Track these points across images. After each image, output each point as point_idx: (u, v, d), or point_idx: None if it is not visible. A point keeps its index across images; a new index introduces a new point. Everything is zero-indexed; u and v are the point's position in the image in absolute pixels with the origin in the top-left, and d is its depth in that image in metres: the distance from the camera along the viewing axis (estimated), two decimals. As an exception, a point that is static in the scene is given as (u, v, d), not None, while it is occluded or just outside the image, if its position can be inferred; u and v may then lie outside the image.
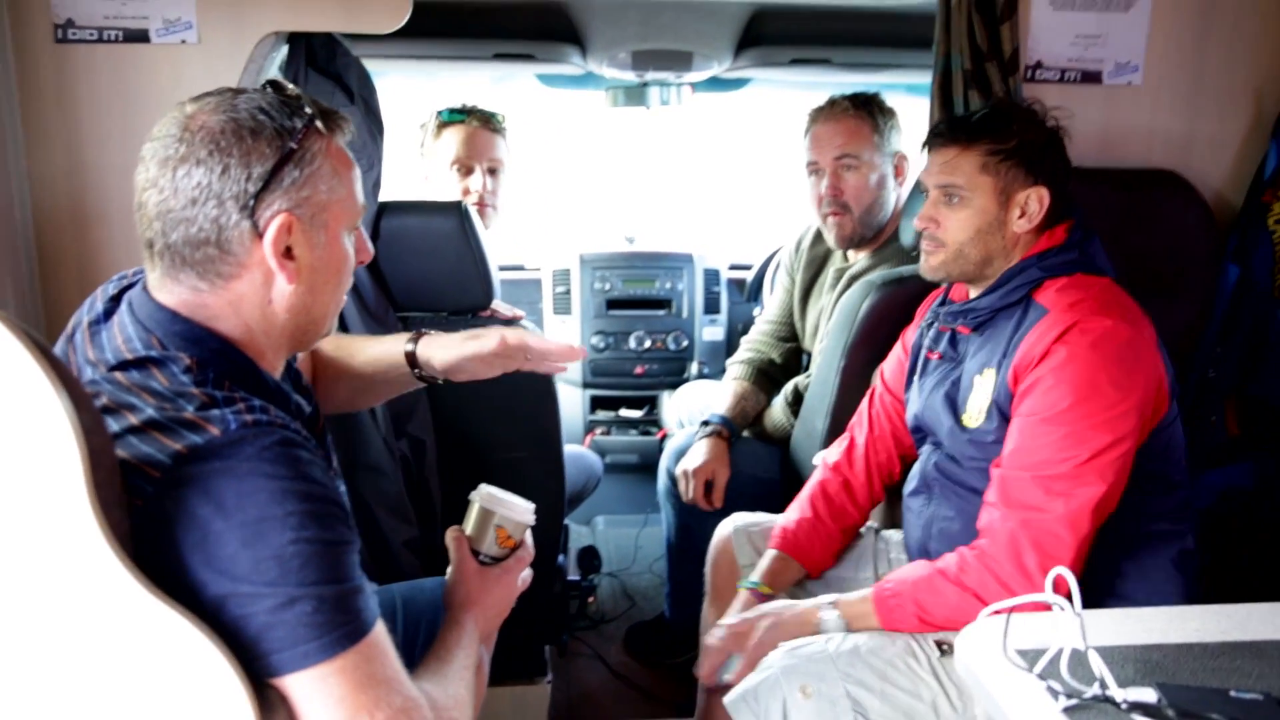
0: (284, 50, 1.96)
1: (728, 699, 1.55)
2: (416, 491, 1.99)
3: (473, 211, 2.06)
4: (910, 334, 1.85)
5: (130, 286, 1.13)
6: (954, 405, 1.62)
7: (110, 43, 1.86)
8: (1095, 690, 1.03)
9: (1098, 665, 1.04)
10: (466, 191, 2.46)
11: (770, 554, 1.82)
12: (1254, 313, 2.07)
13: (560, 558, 2.31)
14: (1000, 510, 1.48)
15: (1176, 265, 2.15)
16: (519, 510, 1.36)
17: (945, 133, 1.62)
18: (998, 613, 1.15)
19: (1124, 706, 1.01)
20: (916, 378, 1.76)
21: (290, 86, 1.09)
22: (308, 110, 1.07)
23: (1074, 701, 1.02)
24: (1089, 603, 1.15)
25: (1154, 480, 1.55)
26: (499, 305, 2.16)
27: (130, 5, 1.84)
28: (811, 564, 1.82)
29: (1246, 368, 2.07)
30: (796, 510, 1.87)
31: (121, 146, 1.88)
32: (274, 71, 1.96)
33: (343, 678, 0.93)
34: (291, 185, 1.04)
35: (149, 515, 0.91)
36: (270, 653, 0.91)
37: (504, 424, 2.08)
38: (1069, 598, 1.12)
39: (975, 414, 1.58)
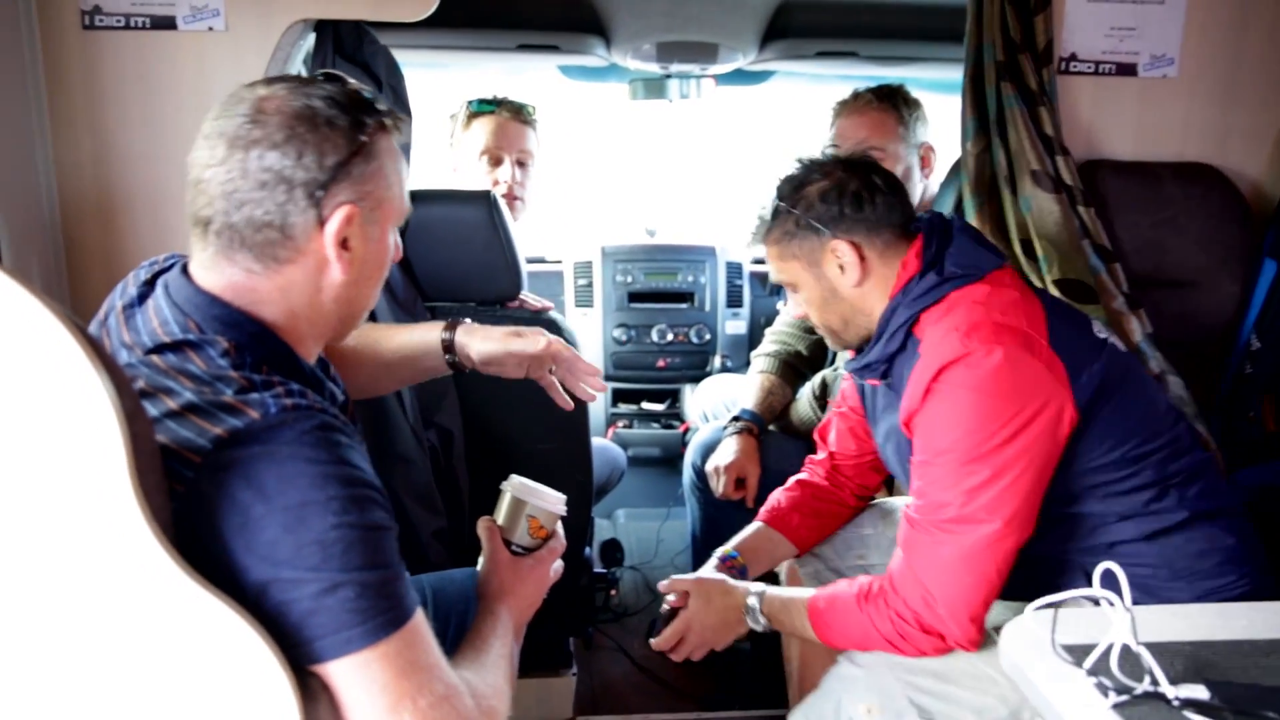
0: (311, 38, 1.95)
1: None
2: (444, 482, 1.97)
3: (501, 201, 2.04)
4: (848, 382, 1.83)
5: (163, 271, 1.12)
6: (901, 458, 1.58)
7: (137, 29, 1.85)
8: (1146, 686, 1.01)
9: (1148, 661, 1.02)
10: (495, 183, 2.43)
11: (753, 526, 1.83)
12: (1291, 308, 2.04)
13: (586, 550, 2.29)
14: (903, 553, 1.47)
15: (1212, 260, 2.12)
16: (551, 500, 1.35)
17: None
18: (1044, 607, 1.12)
19: (1176, 703, 0.99)
20: (873, 423, 1.73)
21: (352, 81, 1.10)
22: (380, 107, 1.08)
23: (1124, 698, 1.00)
24: None
25: (1105, 472, 1.46)
26: (527, 296, 2.15)
27: (158, -9, 1.84)
28: (797, 538, 1.82)
29: (1284, 364, 2.04)
30: (784, 488, 1.87)
31: (147, 134, 1.88)
32: (301, 59, 1.96)
33: (385, 664, 0.92)
34: (359, 178, 1.05)
35: (189, 500, 0.90)
36: (312, 639, 0.90)
37: (532, 415, 2.06)
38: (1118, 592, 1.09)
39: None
